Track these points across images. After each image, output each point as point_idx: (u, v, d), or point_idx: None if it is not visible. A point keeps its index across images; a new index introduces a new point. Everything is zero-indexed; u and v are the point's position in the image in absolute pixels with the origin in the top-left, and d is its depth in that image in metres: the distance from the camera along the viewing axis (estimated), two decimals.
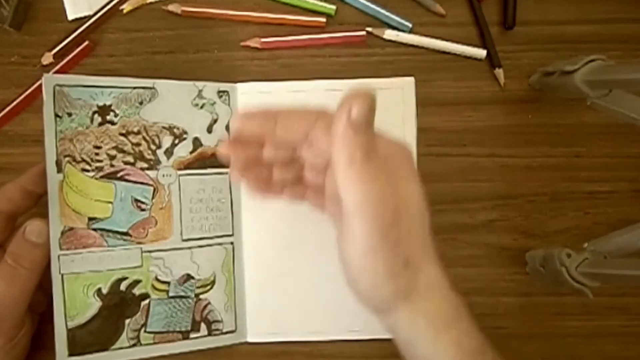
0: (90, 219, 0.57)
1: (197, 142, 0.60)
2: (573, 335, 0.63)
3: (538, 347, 0.63)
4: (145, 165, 0.58)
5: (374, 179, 0.42)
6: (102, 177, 0.57)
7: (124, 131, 0.58)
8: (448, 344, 0.45)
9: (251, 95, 0.62)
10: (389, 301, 0.45)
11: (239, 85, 0.62)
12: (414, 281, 0.45)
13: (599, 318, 0.62)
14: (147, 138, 0.58)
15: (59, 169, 0.56)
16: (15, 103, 0.62)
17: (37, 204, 0.56)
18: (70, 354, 0.56)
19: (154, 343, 0.59)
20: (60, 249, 0.55)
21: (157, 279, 0.59)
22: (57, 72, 0.62)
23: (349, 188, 0.42)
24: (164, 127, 0.59)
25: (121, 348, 0.58)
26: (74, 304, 0.56)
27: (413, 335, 0.45)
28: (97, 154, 0.57)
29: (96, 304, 0.57)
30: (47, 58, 0.62)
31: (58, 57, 0.62)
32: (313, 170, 0.50)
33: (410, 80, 0.62)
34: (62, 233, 0.55)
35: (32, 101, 0.62)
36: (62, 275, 0.56)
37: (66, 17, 0.63)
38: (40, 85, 0.61)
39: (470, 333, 0.48)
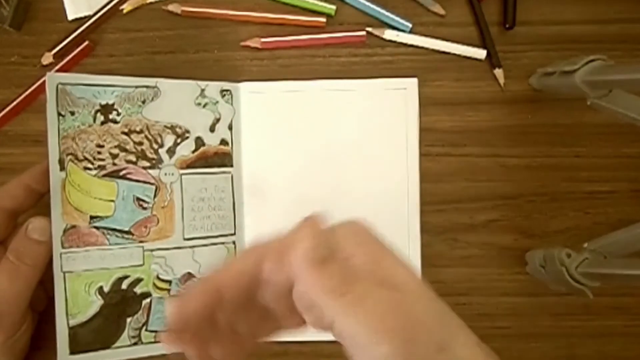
0: (92, 217, 0.57)
1: (199, 141, 0.60)
2: (573, 335, 0.63)
3: (538, 347, 0.63)
4: (147, 164, 0.59)
5: (365, 294, 0.37)
6: (104, 175, 0.57)
7: (126, 130, 0.58)
8: None
9: (253, 94, 0.62)
10: None
11: (241, 84, 0.62)
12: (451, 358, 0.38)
13: (599, 318, 0.62)
14: (150, 137, 0.59)
15: (62, 167, 0.56)
16: (15, 103, 0.62)
17: (38, 202, 0.56)
18: (72, 352, 0.56)
19: (155, 342, 0.59)
20: (62, 247, 0.55)
21: (158, 278, 0.59)
22: (57, 71, 0.62)
23: (343, 319, 0.37)
24: (166, 126, 0.59)
25: (122, 346, 0.58)
26: (76, 302, 0.56)
27: None
28: (99, 153, 0.57)
29: (98, 302, 0.57)
30: (47, 58, 0.62)
31: (58, 57, 0.62)
32: (278, 299, 0.42)
33: (414, 81, 0.62)
34: (65, 231, 0.56)
35: (32, 101, 0.62)
36: (64, 273, 0.56)
37: (66, 17, 0.63)
38: (41, 85, 0.61)
39: None
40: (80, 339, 0.56)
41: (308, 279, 0.37)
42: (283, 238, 0.39)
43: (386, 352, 0.35)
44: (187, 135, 0.60)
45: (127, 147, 0.58)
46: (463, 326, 0.40)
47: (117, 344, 0.58)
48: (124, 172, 0.58)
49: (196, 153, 0.60)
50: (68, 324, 0.56)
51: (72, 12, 0.63)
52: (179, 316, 0.38)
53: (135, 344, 0.58)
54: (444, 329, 0.39)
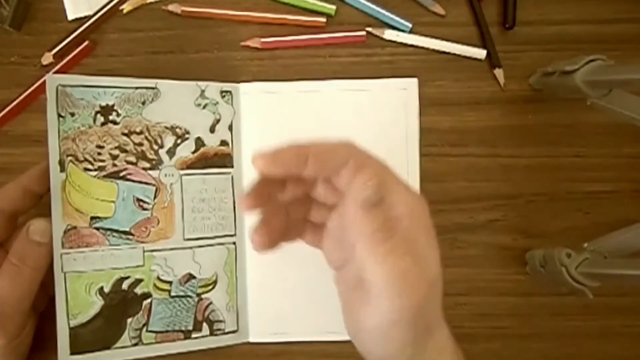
0: (92, 218, 0.57)
1: (199, 142, 0.60)
2: (573, 335, 0.63)
3: (538, 347, 0.63)
4: (147, 165, 0.59)
5: (397, 254, 0.40)
6: (104, 176, 0.57)
7: (126, 131, 0.58)
8: None
9: (253, 95, 0.62)
10: None
11: (241, 85, 0.62)
12: (428, 343, 0.43)
13: (599, 318, 0.63)
14: (150, 138, 0.59)
15: (62, 168, 0.56)
16: (15, 103, 0.62)
17: (38, 203, 0.56)
18: (72, 353, 0.56)
19: (156, 342, 0.59)
20: (63, 247, 0.56)
21: (159, 279, 0.59)
22: (57, 72, 0.62)
23: (377, 267, 0.40)
24: (166, 127, 0.59)
25: (123, 347, 0.58)
26: (76, 302, 0.56)
27: None
28: (99, 154, 0.57)
29: (98, 303, 0.57)
30: (47, 58, 0.62)
31: (58, 57, 0.62)
32: (321, 209, 0.48)
33: (414, 81, 0.62)
34: (65, 232, 0.56)
35: (32, 101, 0.62)
36: (65, 274, 0.56)
37: (66, 17, 0.63)
38: (41, 85, 0.61)
39: None
40: (81, 340, 0.56)
41: (357, 216, 0.41)
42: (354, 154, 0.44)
43: (402, 305, 0.40)
44: (187, 136, 0.60)
45: (127, 148, 0.58)
46: (444, 321, 0.45)
47: (117, 345, 0.58)
48: (124, 173, 0.58)
49: (196, 154, 0.60)
50: (69, 324, 0.56)
51: (72, 12, 0.63)
52: (269, 167, 0.42)
53: (135, 344, 0.58)
54: (436, 314, 0.44)
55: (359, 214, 0.41)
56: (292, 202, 0.47)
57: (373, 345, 0.44)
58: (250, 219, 0.62)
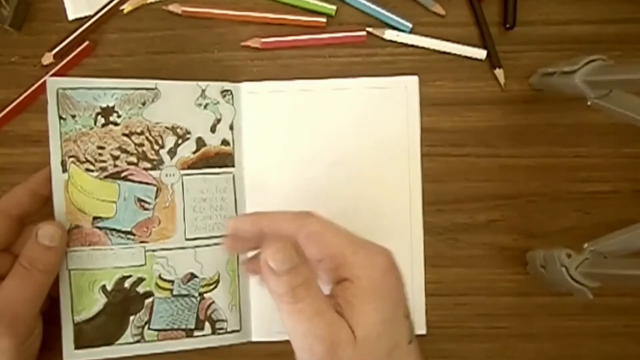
0: (94, 218, 0.58)
1: (200, 142, 0.60)
2: (573, 335, 0.63)
3: (538, 347, 0.63)
4: (148, 165, 0.59)
5: (301, 315, 0.44)
6: (105, 177, 0.58)
7: (127, 132, 0.58)
8: None
9: (254, 94, 0.62)
10: None
11: (242, 84, 0.62)
12: None
13: (599, 318, 0.63)
14: (150, 138, 0.59)
15: (64, 169, 0.56)
16: (15, 103, 0.62)
17: (44, 206, 0.57)
18: (77, 347, 0.57)
19: (158, 340, 0.59)
20: (67, 245, 0.56)
21: (160, 278, 0.59)
22: (57, 72, 0.62)
23: (285, 322, 0.46)
24: (167, 127, 0.59)
25: (125, 343, 0.59)
26: (81, 299, 0.57)
27: None
28: (100, 155, 0.58)
29: (101, 300, 0.58)
30: (47, 58, 0.62)
31: (58, 57, 0.62)
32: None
33: (414, 79, 0.62)
34: (69, 231, 0.56)
35: (33, 101, 0.62)
36: (69, 271, 0.57)
37: (66, 17, 0.63)
38: (41, 85, 0.61)
39: None
40: (85, 335, 0.57)
41: (269, 280, 0.45)
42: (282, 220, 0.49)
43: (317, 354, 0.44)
44: (188, 136, 0.60)
45: (128, 148, 0.58)
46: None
47: (120, 341, 0.58)
48: (125, 173, 0.58)
49: (197, 154, 0.60)
50: (73, 320, 0.57)
51: (72, 12, 0.63)
52: (233, 229, 0.52)
53: (138, 341, 0.59)
54: None
55: (268, 280, 0.45)
56: None
57: None
58: None
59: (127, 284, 0.59)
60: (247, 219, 0.51)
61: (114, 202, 0.58)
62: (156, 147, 0.59)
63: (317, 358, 0.44)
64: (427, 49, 0.63)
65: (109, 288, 0.58)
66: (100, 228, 0.58)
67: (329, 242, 0.47)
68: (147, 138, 0.59)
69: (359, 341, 0.44)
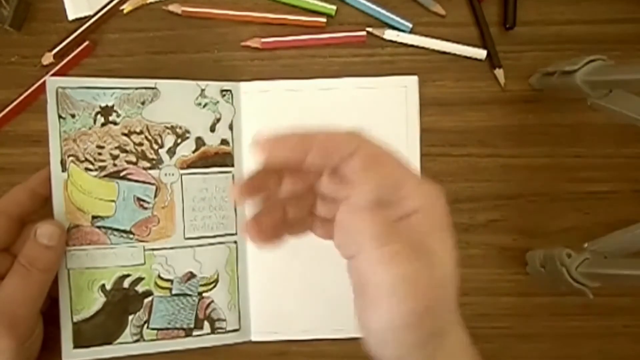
0: (94, 217, 0.58)
1: (199, 142, 0.60)
2: (573, 335, 0.63)
3: (538, 347, 0.63)
4: (147, 164, 0.59)
5: (402, 256, 0.38)
6: (105, 176, 0.58)
7: (126, 131, 0.58)
8: None
9: (254, 94, 0.62)
10: None
11: (242, 84, 0.62)
12: (440, 346, 0.41)
13: (599, 318, 0.63)
14: (150, 138, 0.59)
15: (64, 169, 0.57)
16: (15, 103, 0.62)
17: (44, 205, 0.57)
18: (76, 347, 0.57)
19: (157, 339, 0.59)
20: (67, 245, 0.56)
21: (160, 277, 0.59)
22: (57, 72, 0.62)
23: (378, 270, 0.38)
24: (166, 127, 0.59)
25: (124, 343, 0.59)
26: (80, 298, 0.57)
27: None
28: (100, 154, 0.58)
29: (100, 300, 0.58)
30: (47, 58, 0.62)
31: (58, 57, 0.62)
32: (327, 203, 0.45)
33: (414, 78, 0.62)
34: (68, 230, 0.57)
35: (33, 101, 0.62)
36: (69, 270, 0.57)
37: (66, 17, 0.63)
38: (41, 85, 0.61)
39: None
40: (84, 334, 0.57)
41: (361, 217, 0.39)
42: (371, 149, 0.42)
43: (407, 310, 0.37)
44: (187, 135, 0.60)
45: (128, 148, 0.58)
46: (460, 323, 0.42)
47: (119, 340, 0.59)
48: (124, 172, 0.58)
49: (197, 153, 0.60)
50: (72, 319, 0.57)
51: (72, 12, 0.63)
52: (271, 152, 0.40)
53: (137, 340, 0.59)
54: (446, 318, 0.41)
55: (363, 215, 0.39)
56: (292, 198, 0.45)
57: (380, 348, 0.42)
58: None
59: (126, 283, 0.59)
60: (290, 140, 0.40)
61: (113, 201, 0.58)
62: (155, 147, 0.59)
63: (424, 303, 0.38)
64: (427, 49, 0.63)
65: (108, 287, 0.58)
66: (99, 227, 0.58)
67: (391, 169, 0.41)
68: (146, 137, 0.59)
69: (448, 277, 0.40)
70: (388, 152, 0.42)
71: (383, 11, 0.63)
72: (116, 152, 0.58)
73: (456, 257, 0.41)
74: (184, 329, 0.60)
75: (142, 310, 0.59)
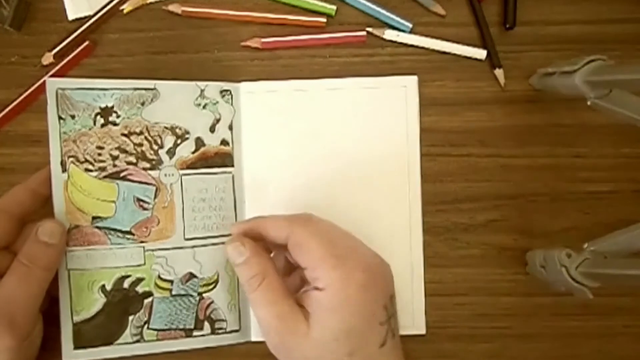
0: (94, 217, 0.58)
1: (199, 142, 0.60)
2: (573, 335, 0.63)
3: (538, 347, 0.63)
4: (147, 165, 0.59)
5: (256, 304, 0.52)
6: (105, 177, 0.58)
7: (126, 132, 0.58)
8: None
9: (254, 94, 0.62)
10: None
11: (241, 84, 0.62)
12: None
13: (599, 318, 0.63)
14: (149, 138, 0.59)
15: (64, 169, 0.57)
16: (15, 103, 0.62)
17: (45, 205, 0.57)
18: (76, 347, 0.57)
19: (157, 340, 0.59)
20: (67, 245, 0.56)
21: (160, 278, 0.59)
22: (57, 72, 0.62)
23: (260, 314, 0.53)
24: (166, 128, 0.59)
25: (125, 343, 0.59)
26: (80, 299, 0.57)
27: None
28: (99, 155, 0.58)
29: (100, 300, 0.58)
30: (47, 58, 0.62)
31: (58, 57, 0.62)
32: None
33: (414, 78, 0.62)
34: (68, 231, 0.57)
35: (33, 101, 0.63)
36: (69, 271, 0.57)
37: (66, 17, 0.63)
38: (41, 85, 0.61)
39: None
40: (84, 335, 0.57)
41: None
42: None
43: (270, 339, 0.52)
44: (187, 136, 0.60)
45: (127, 148, 0.58)
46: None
47: (119, 341, 0.58)
48: (124, 173, 0.58)
49: (196, 153, 0.60)
50: (72, 319, 0.57)
51: (72, 12, 0.63)
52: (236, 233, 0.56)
53: (137, 341, 0.59)
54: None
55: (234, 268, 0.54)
56: None
57: None
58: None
59: (126, 284, 0.59)
60: (245, 225, 0.55)
61: (113, 202, 0.58)
62: (155, 147, 0.59)
63: (271, 343, 0.52)
64: (427, 49, 0.63)
65: (108, 288, 0.58)
66: (99, 228, 0.58)
67: (311, 254, 0.50)
68: (146, 138, 0.59)
69: (313, 338, 0.49)
70: (317, 240, 0.51)
71: (383, 11, 0.63)
72: (116, 152, 0.58)
73: (342, 335, 0.49)
74: (184, 330, 0.60)
75: (142, 310, 0.59)
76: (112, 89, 0.58)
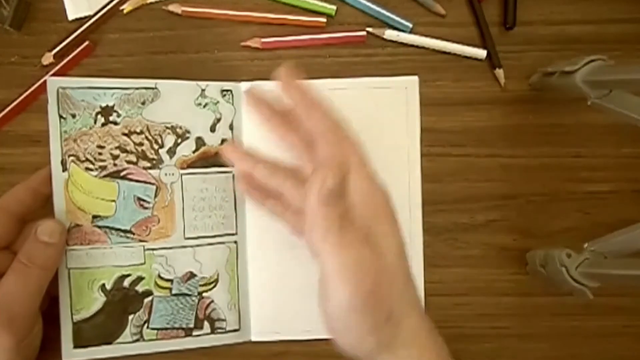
0: (94, 216, 0.58)
1: (200, 142, 0.60)
2: (573, 335, 0.63)
3: (538, 347, 0.63)
4: (147, 164, 0.59)
5: (351, 245, 0.46)
6: (105, 176, 0.58)
7: (126, 131, 0.58)
8: None
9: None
10: (372, 352, 0.47)
11: (242, 84, 0.62)
12: (396, 332, 0.47)
13: (599, 318, 0.63)
14: (150, 138, 0.59)
15: (64, 168, 0.57)
16: (15, 103, 0.62)
17: (45, 204, 0.57)
18: (76, 346, 0.57)
19: (157, 339, 0.59)
20: (67, 244, 0.57)
21: (160, 277, 0.59)
22: (57, 72, 0.62)
23: (326, 256, 0.46)
24: (166, 127, 0.59)
25: (124, 342, 0.59)
26: (80, 298, 0.57)
27: None
28: (100, 154, 0.58)
29: (100, 299, 0.58)
30: (48, 58, 0.62)
31: (58, 57, 0.62)
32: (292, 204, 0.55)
33: (414, 79, 0.62)
34: (69, 230, 0.57)
35: (33, 101, 0.63)
36: (69, 270, 0.57)
37: (66, 17, 0.63)
38: (41, 85, 0.61)
39: None
40: (84, 334, 0.57)
41: (315, 212, 0.46)
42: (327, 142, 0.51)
43: (352, 293, 0.45)
44: (187, 135, 0.60)
45: (128, 148, 0.58)
46: (418, 309, 0.49)
47: (119, 340, 0.59)
48: (124, 172, 0.58)
49: (197, 153, 0.60)
50: (72, 319, 0.57)
51: (72, 12, 0.63)
52: (227, 153, 0.57)
53: (137, 340, 0.59)
54: (398, 303, 0.47)
55: (316, 207, 0.46)
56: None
57: (337, 335, 0.48)
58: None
59: (126, 283, 0.59)
60: (243, 151, 0.56)
61: (114, 201, 0.58)
62: (155, 147, 0.59)
63: (368, 286, 0.46)
64: (427, 49, 0.63)
65: (108, 287, 0.58)
66: (99, 227, 0.58)
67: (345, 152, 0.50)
68: (146, 137, 0.59)
69: (392, 264, 0.48)
70: (350, 143, 0.51)
71: (383, 11, 0.63)
72: (116, 152, 0.58)
73: (400, 246, 0.49)
74: (183, 329, 0.60)
75: (142, 310, 0.59)
76: (113, 88, 0.58)
